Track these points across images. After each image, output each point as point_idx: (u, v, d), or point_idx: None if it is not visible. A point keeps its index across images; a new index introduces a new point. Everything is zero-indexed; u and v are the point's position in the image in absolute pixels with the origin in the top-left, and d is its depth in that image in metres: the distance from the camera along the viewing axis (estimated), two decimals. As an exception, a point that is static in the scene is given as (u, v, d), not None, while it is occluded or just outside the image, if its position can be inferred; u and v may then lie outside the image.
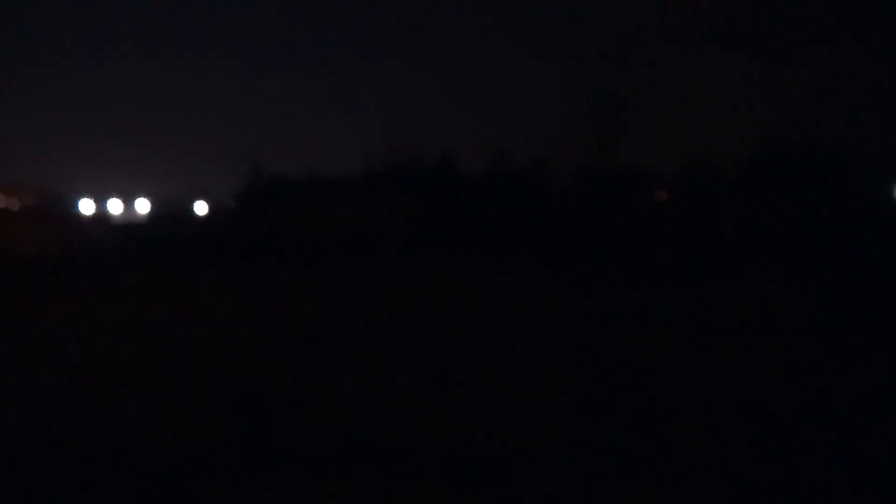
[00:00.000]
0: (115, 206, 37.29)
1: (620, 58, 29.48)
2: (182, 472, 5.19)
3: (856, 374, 7.59)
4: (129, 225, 35.03)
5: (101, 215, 36.69)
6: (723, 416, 6.23)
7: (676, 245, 23.01)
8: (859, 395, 6.76)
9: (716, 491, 4.64)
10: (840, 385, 7.13)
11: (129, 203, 37.66)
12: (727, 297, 13.64)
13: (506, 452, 5.42)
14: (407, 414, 6.48)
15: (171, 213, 35.94)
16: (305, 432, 5.97)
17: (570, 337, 9.94)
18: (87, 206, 36.33)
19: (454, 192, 32.61)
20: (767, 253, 21.38)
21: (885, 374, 7.56)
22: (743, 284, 15.62)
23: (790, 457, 5.21)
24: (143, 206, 37.76)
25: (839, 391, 6.93)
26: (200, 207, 37.91)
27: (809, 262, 19.00)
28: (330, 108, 65.33)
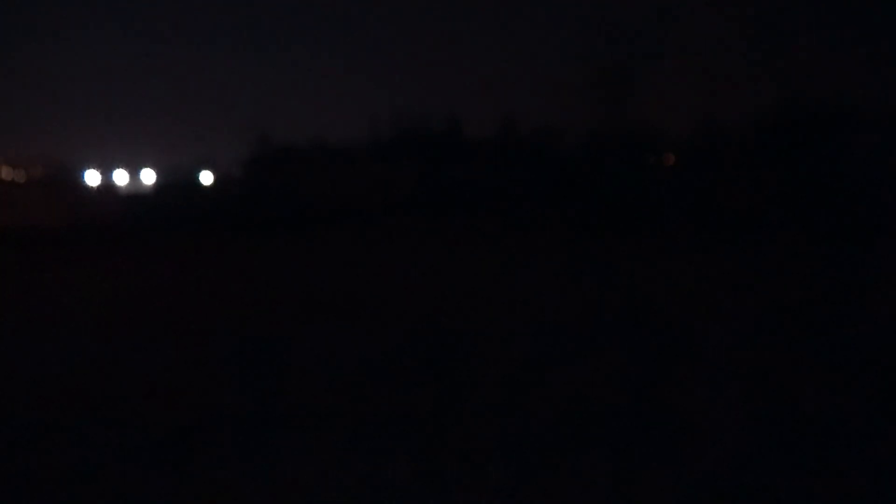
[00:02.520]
0: (120, 177, 37.16)
1: (627, 20, 29.07)
2: (191, 431, 5.29)
3: (859, 346, 7.47)
4: (135, 195, 34.96)
5: (107, 186, 36.59)
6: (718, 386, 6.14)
7: (685, 210, 22.83)
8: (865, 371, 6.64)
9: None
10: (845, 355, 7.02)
11: (134, 174, 37.53)
12: (738, 263, 13.50)
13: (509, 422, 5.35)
14: (408, 380, 6.40)
15: (176, 184, 35.79)
16: (303, 397, 5.91)
17: (577, 301, 9.84)
18: (92, 178, 36.22)
19: (462, 158, 32.38)
20: (778, 217, 21.16)
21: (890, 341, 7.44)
22: (753, 250, 15.45)
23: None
24: (148, 176, 37.61)
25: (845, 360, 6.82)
26: (206, 177, 37.75)
27: (820, 227, 18.78)
28: (336, 75, 64.82)
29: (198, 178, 37.43)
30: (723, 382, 6.12)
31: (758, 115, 32.46)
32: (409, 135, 34.71)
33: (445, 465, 4.60)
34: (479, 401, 5.82)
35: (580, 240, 18.27)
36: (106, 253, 18.89)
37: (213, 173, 37.66)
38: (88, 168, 36.37)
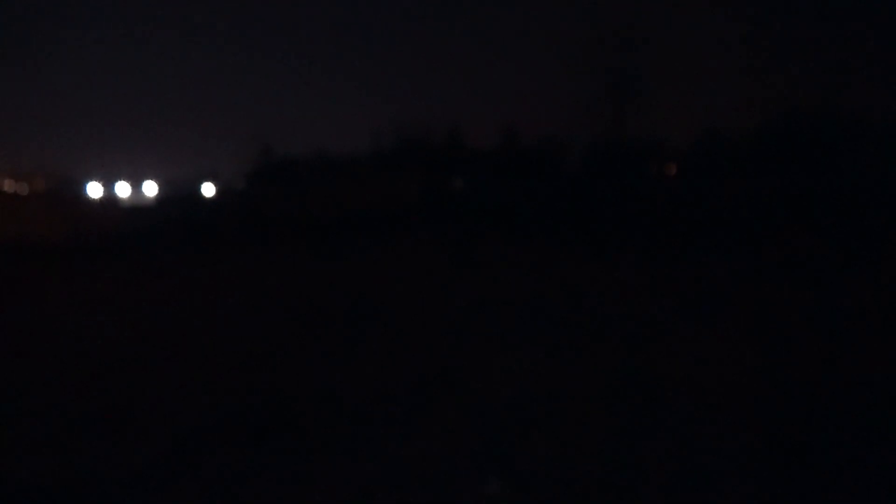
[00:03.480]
0: (122, 190, 37.27)
1: (630, 31, 29.17)
2: (199, 442, 5.30)
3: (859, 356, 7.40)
4: (138, 208, 35.05)
5: (110, 199, 36.71)
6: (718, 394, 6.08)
7: (687, 220, 22.82)
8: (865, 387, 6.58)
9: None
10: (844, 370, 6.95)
11: (136, 186, 37.64)
12: (738, 273, 13.44)
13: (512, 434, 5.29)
14: (413, 394, 6.34)
15: (179, 196, 35.91)
16: (310, 409, 5.86)
17: (580, 314, 9.79)
18: (95, 190, 36.32)
19: (464, 168, 32.41)
20: (780, 225, 21.10)
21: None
22: (753, 259, 15.39)
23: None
24: (150, 188, 37.73)
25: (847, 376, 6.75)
26: (208, 189, 37.86)
27: (822, 235, 18.72)
28: (338, 87, 65.15)
29: (200, 190, 37.57)
30: (709, 392, 6.07)
31: (759, 125, 32.52)
32: (412, 145, 34.77)
33: (445, 476, 4.55)
34: (477, 412, 5.77)
35: (581, 249, 18.22)
36: (108, 265, 18.86)
37: (216, 185, 37.82)
38: (91, 180, 36.51)
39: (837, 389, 6.10)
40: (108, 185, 36.86)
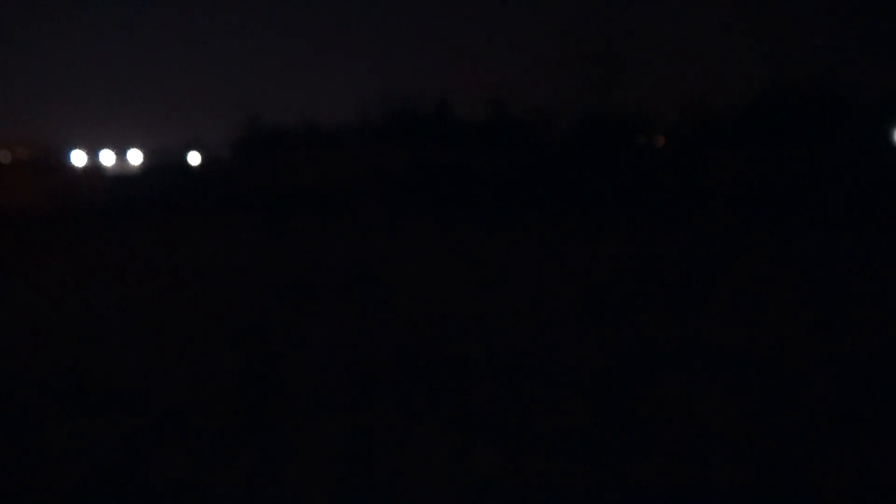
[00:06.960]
0: (107, 158, 36.79)
1: (618, 2, 28.88)
2: (189, 417, 5.21)
3: (850, 326, 7.45)
4: (122, 176, 34.67)
5: (94, 167, 36.26)
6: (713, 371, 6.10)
7: (675, 192, 22.84)
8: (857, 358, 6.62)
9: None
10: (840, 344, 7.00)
11: (121, 154, 37.17)
12: (722, 245, 13.49)
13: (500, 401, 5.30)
14: (397, 366, 6.33)
15: (164, 165, 35.53)
16: (300, 381, 5.84)
17: (568, 288, 9.80)
18: (79, 158, 35.85)
19: (452, 139, 32.16)
20: (766, 199, 21.16)
21: (883, 328, 7.43)
22: (739, 231, 15.44)
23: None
24: (135, 157, 37.26)
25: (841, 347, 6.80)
26: (194, 158, 37.47)
27: (808, 211, 18.78)
28: (326, 56, 64.40)
29: (186, 159, 37.15)
30: (713, 369, 6.10)
31: (749, 98, 32.41)
32: (399, 116, 34.42)
33: (441, 455, 4.55)
34: (472, 389, 5.77)
35: (571, 220, 18.22)
36: (92, 234, 18.72)
37: (201, 154, 37.40)
38: (74, 149, 36.00)
39: (828, 371, 6.14)
40: (93, 154, 36.37)
